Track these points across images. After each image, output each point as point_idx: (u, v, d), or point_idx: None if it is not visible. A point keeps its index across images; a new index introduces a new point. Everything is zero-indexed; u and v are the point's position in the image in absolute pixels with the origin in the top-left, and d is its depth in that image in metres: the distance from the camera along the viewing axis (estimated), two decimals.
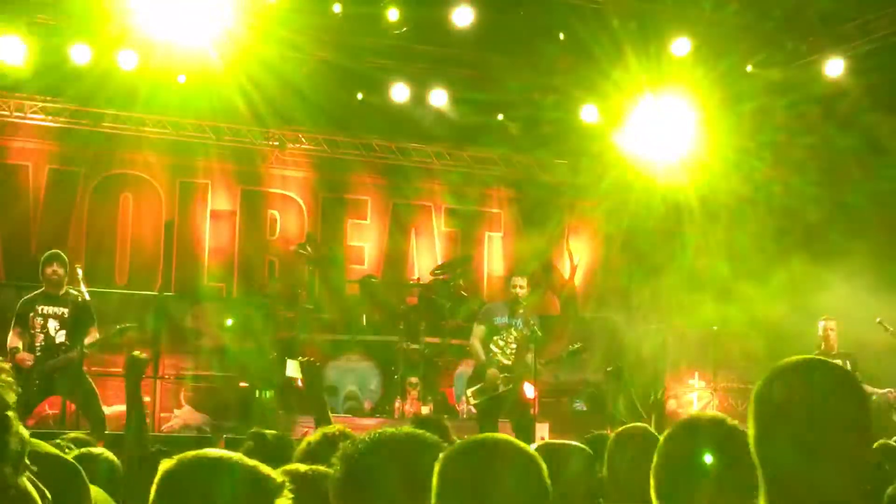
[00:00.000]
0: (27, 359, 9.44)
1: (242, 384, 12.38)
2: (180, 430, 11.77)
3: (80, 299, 9.58)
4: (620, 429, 3.94)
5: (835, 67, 12.74)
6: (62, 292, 9.66)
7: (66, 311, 9.62)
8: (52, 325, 9.60)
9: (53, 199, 13.74)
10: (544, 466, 2.32)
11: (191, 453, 2.40)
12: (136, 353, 5.82)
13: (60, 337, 9.60)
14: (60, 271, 9.67)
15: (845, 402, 2.09)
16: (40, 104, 13.67)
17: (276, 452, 4.20)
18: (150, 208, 14.20)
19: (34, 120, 13.70)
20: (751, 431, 2.12)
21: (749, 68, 13.50)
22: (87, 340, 9.60)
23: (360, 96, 14.01)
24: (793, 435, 2.04)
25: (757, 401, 2.15)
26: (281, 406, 11.79)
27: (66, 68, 12.69)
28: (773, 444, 2.06)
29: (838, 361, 10.26)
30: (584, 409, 6.30)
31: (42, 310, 9.61)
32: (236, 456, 2.41)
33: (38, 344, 9.56)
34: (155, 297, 12.59)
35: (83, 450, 4.19)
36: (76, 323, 9.61)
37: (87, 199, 13.88)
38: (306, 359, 5.81)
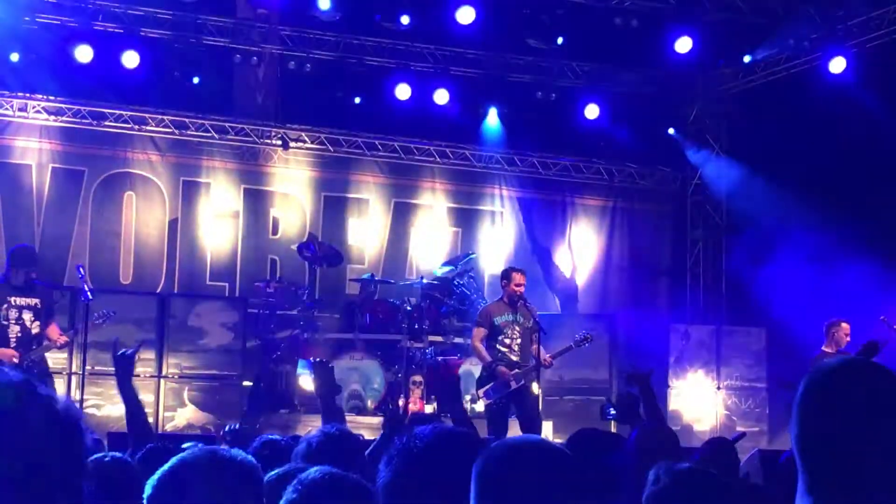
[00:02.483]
0: (14, 355, 9.15)
1: (246, 383, 12.40)
2: (184, 429, 11.77)
3: (44, 289, 9.49)
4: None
5: (837, 65, 12.75)
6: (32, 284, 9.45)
7: (38, 301, 9.41)
8: (28, 316, 9.36)
9: (57, 198, 13.73)
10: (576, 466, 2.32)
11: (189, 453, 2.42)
12: (122, 350, 5.83)
13: (35, 328, 9.38)
14: (34, 273, 9.48)
15: (892, 401, 2.07)
16: (43, 103, 13.68)
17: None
18: (153, 207, 14.20)
19: (37, 119, 13.71)
20: (794, 432, 2.10)
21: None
22: (53, 331, 9.45)
23: (357, 100, 14.04)
24: (842, 436, 2.03)
25: (802, 403, 2.12)
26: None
27: (69, 67, 12.74)
28: (820, 446, 2.05)
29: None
30: (616, 415, 6.36)
31: (15, 301, 9.35)
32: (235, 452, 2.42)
33: (12, 336, 9.30)
34: (158, 296, 12.60)
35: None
36: (47, 313, 9.47)
37: (90, 198, 13.88)
38: (318, 359, 5.76)
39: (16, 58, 12.78)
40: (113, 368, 10.57)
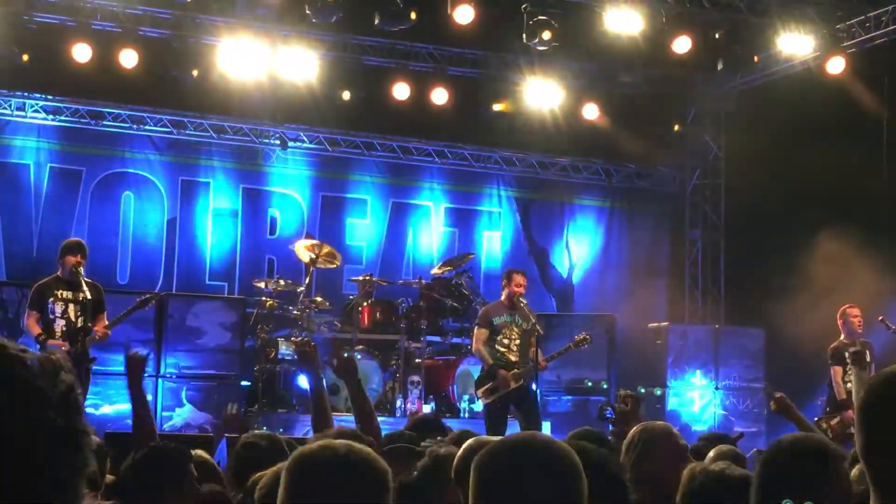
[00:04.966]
0: (63, 345, 9.09)
1: (244, 383, 12.39)
2: (182, 429, 11.76)
3: (94, 283, 9.48)
4: None
5: (836, 65, 12.75)
6: (78, 278, 9.42)
7: (85, 295, 9.37)
8: (73, 310, 9.39)
9: (55, 197, 13.73)
10: (580, 464, 2.30)
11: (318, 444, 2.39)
12: (135, 350, 5.86)
13: (80, 322, 9.36)
14: (83, 261, 9.46)
15: None
16: (41, 102, 13.67)
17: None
18: (151, 207, 14.20)
19: (35, 118, 13.70)
20: (859, 441, 2.08)
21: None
22: (100, 323, 9.44)
23: (346, 96, 13.99)
24: None
25: (863, 410, 2.09)
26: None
27: (67, 66, 12.72)
28: (882, 451, 2.02)
29: (857, 349, 10.12)
30: (613, 418, 6.41)
31: (62, 294, 9.40)
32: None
33: (58, 330, 9.33)
34: (156, 296, 12.57)
35: None
36: (94, 308, 9.45)
37: (88, 198, 13.87)
38: (300, 339, 5.65)
39: (18, 58, 12.75)
40: (109, 367, 10.70)
